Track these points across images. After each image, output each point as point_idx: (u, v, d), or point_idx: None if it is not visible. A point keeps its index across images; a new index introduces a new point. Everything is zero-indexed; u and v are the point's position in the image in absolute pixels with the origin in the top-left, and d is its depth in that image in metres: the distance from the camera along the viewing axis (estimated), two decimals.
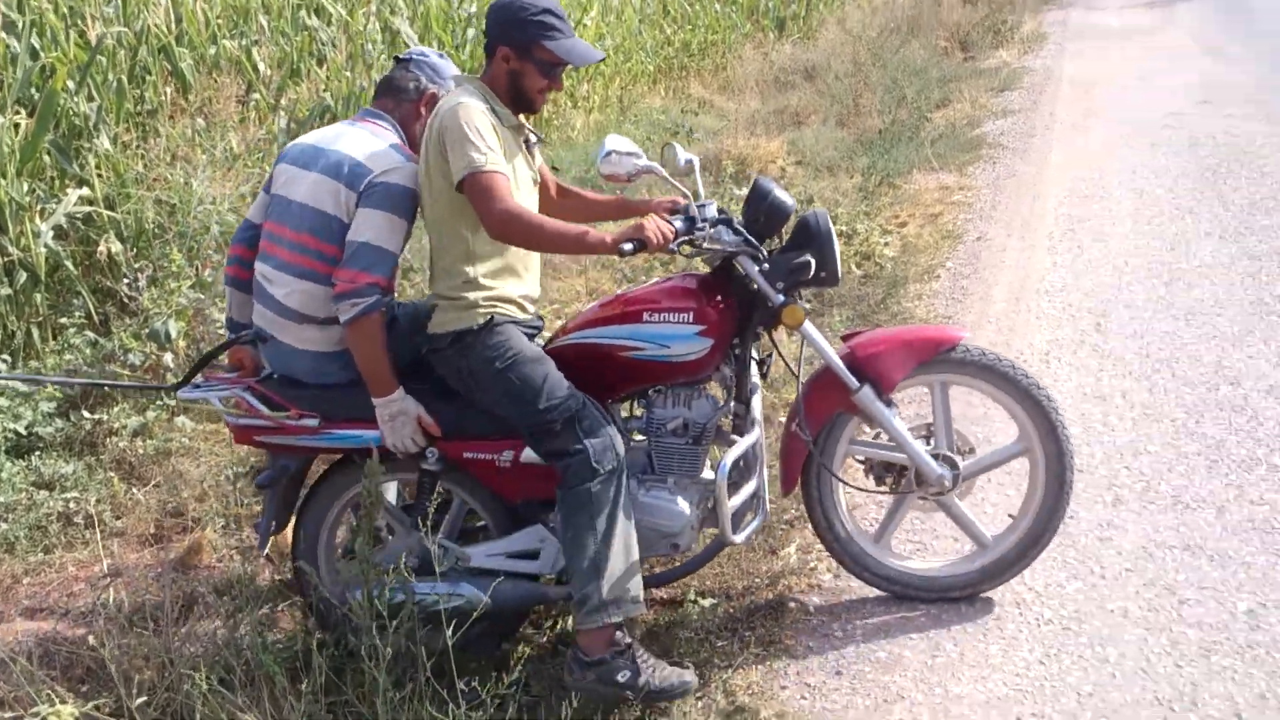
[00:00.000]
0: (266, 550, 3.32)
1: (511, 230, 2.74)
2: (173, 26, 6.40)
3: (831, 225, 2.98)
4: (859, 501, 3.71)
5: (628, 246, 2.69)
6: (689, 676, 2.84)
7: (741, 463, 3.05)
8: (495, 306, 2.88)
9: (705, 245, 2.92)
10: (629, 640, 2.81)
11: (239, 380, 3.10)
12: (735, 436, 3.07)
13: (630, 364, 2.95)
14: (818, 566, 3.44)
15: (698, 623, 3.20)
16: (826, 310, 5.56)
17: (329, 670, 2.74)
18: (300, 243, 2.92)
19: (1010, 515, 3.34)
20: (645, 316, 2.94)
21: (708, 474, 3.09)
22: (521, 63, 2.88)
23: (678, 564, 3.26)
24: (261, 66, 6.96)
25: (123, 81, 5.71)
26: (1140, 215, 6.89)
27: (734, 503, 2.99)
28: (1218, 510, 3.59)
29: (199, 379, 3.15)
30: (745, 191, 3.07)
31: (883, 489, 3.25)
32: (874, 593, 3.30)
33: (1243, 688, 2.79)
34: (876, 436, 3.20)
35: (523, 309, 2.98)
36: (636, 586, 2.82)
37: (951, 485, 3.09)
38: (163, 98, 6.14)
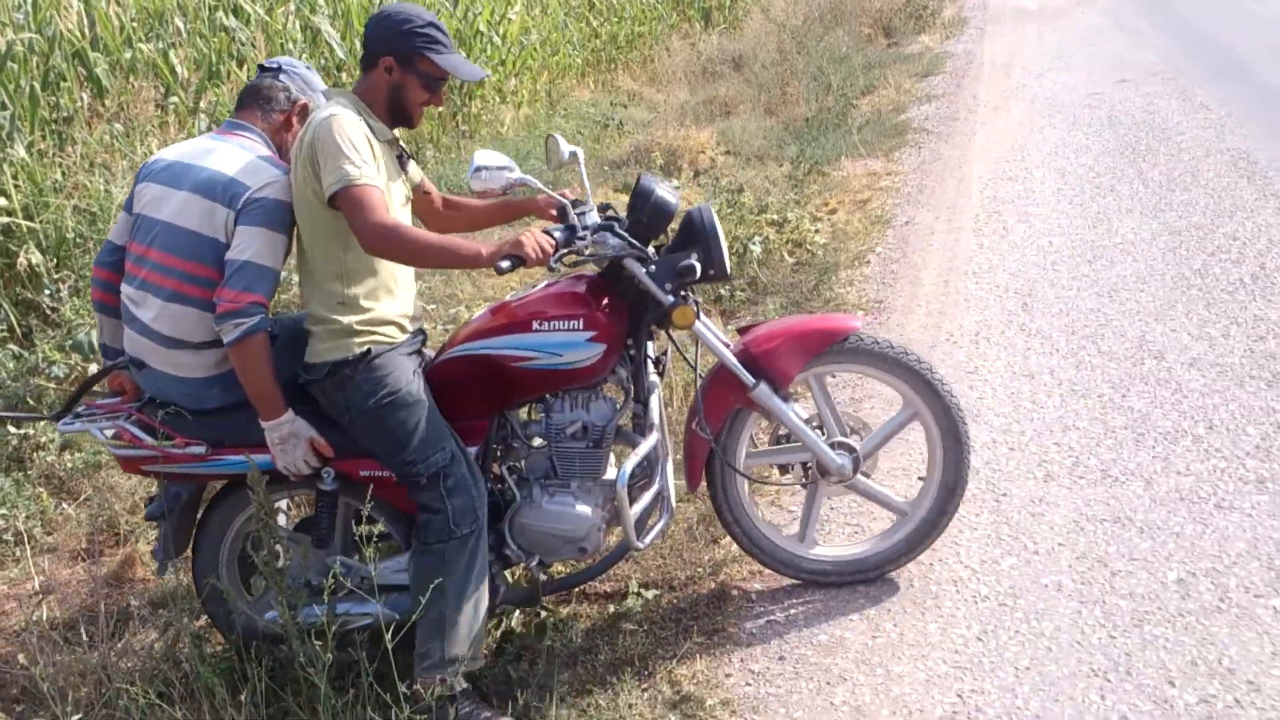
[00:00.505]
0: (166, 574, 3.26)
1: (385, 244, 2.65)
2: (86, 31, 6.25)
3: (716, 219, 2.95)
4: (792, 491, 3.74)
5: (505, 264, 2.63)
6: None
7: (645, 464, 3.04)
8: (373, 334, 2.81)
9: (588, 253, 2.88)
10: (460, 689, 2.78)
11: (121, 407, 3.00)
12: (637, 436, 3.05)
13: (523, 374, 2.91)
14: None
15: (641, 614, 3.21)
16: (760, 299, 5.59)
17: (268, 680, 2.71)
18: (167, 264, 2.80)
19: (920, 478, 3.38)
20: (535, 325, 2.89)
21: (610, 473, 3.09)
22: (404, 74, 2.82)
23: (585, 566, 3.25)
24: (179, 69, 6.83)
25: (35, 88, 5.58)
26: (1063, 194, 7.02)
27: (637, 508, 2.98)
28: (1145, 482, 3.67)
29: (80, 407, 3.04)
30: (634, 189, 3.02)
31: (787, 480, 3.28)
32: None
33: (1175, 655, 2.87)
34: (777, 434, 3.20)
35: (402, 329, 2.90)
36: (478, 646, 2.81)
37: (853, 471, 3.13)
38: (78, 104, 6.01)
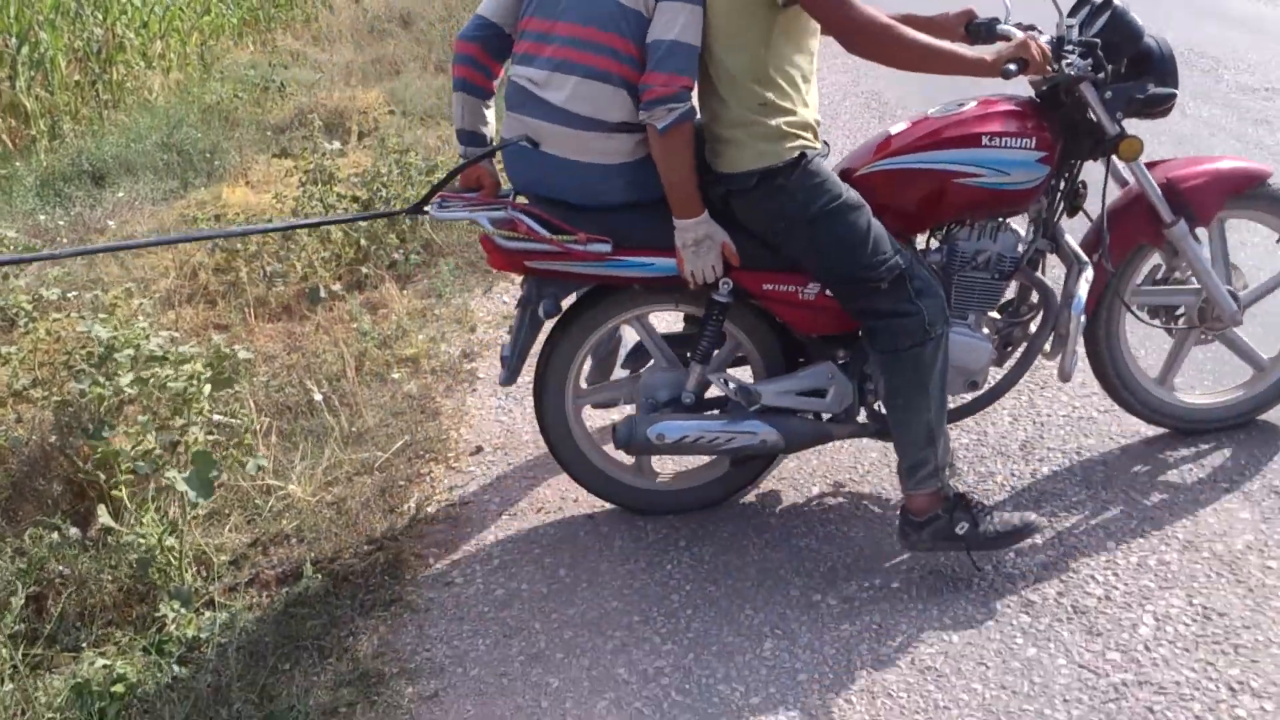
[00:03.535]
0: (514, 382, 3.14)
1: (874, 40, 2.51)
2: None
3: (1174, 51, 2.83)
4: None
5: (1012, 67, 2.54)
6: (1031, 517, 2.83)
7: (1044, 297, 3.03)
8: (800, 136, 2.62)
9: (1061, 70, 2.71)
10: (958, 491, 2.80)
11: (492, 200, 2.81)
12: (1030, 270, 3.02)
13: (958, 191, 2.79)
14: (436, 514, 3.48)
15: (315, 595, 3.15)
16: (434, 260, 5.54)
17: None
18: (584, 38, 2.56)
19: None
20: (985, 140, 2.76)
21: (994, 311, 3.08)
22: None
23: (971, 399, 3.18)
24: None
25: None
26: None
27: (1072, 340, 2.92)
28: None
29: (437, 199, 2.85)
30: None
31: (1168, 325, 3.26)
32: (490, 534, 3.39)
33: (820, 563, 3.12)
34: (1156, 275, 3.17)
35: (817, 135, 2.71)
36: (950, 443, 2.85)
37: (1240, 318, 3.13)
38: None
